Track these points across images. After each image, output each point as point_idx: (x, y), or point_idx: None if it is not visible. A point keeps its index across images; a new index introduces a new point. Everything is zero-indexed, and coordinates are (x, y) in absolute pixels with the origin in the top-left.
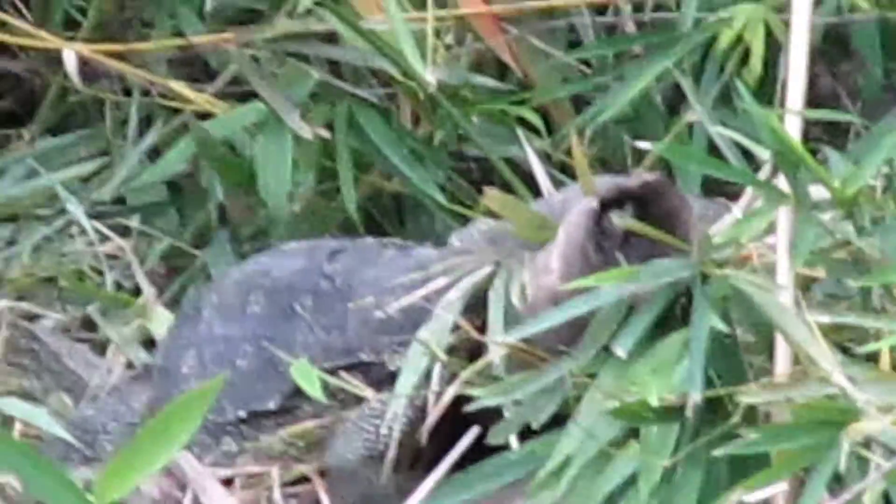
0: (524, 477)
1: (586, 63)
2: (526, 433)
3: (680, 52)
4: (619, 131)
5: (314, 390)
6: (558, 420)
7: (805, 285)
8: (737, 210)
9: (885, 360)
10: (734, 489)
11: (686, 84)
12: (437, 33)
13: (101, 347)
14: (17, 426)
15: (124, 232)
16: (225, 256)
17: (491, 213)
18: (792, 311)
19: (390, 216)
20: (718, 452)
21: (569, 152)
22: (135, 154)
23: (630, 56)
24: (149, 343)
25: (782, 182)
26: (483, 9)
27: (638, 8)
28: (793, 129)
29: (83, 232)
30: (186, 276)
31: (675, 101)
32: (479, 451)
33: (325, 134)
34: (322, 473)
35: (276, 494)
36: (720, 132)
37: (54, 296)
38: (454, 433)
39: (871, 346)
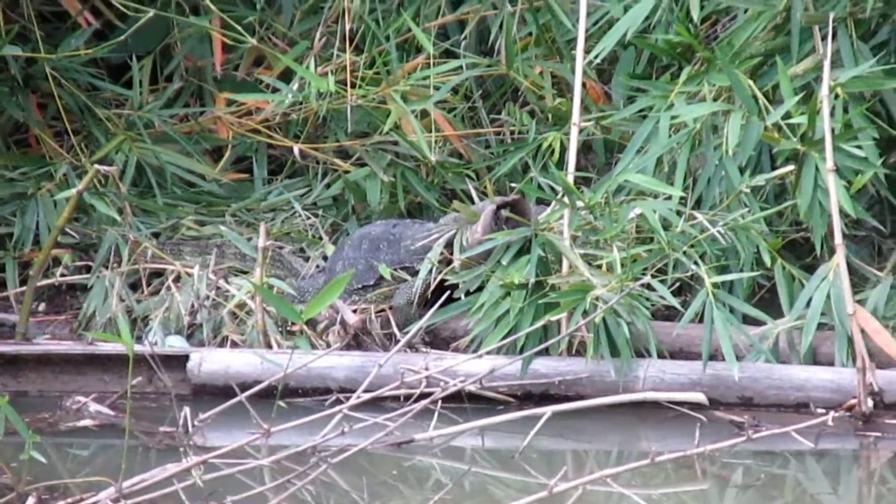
0: (466, 309)
1: (492, 153)
2: (468, 293)
3: (528, 149)
4: (504, 180)
5: (388, 276)
6: (480, 288)
7: (574, 237)
8: (549, 210)
9: (604, 267)
10: (546, 316)
11: (531, 163)
12: (436, 141)
13: (306, 258)
14: (275, 288)
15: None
16: (353, 226)
17: (455, 210)
18: (570, 247)
19: (417, 211)
20: (541, 301)
21: (485, 187)
22: (321, 186)
23: (508, 150)
24: (324, 258)
25: (567, 199)
26: (454, 132)
27: (512, 132)
28: (570, 179)
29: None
30: (340, 233)
31: (527, 168)
32: (450, 300)
33: (391, 178)
34: (390, 308)
35: (372, 315)
36: (544, 180)
37: (290, 241)
38: (441, 293)
39: (599, 262)
